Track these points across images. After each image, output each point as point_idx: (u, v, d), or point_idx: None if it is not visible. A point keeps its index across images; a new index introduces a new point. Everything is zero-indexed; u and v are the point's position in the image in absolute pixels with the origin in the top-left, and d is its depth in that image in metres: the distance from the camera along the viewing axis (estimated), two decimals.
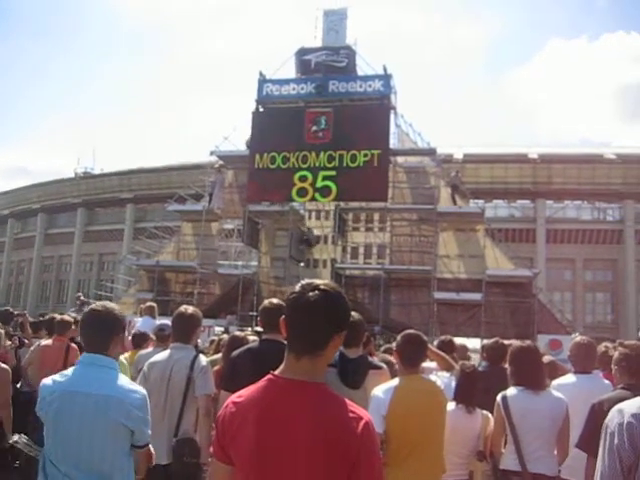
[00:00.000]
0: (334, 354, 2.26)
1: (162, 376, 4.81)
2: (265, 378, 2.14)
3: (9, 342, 7.94)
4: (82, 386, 3.20)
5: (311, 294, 2.07)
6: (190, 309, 5.10)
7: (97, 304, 3.56)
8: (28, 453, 3.79)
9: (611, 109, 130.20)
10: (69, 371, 3.36)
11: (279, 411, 2.04)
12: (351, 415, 2.04)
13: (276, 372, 2.12)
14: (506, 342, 6.75)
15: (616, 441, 1.96)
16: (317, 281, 2.15)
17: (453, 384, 5.14)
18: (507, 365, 6.15)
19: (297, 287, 2.15)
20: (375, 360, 5.12)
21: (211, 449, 2.20)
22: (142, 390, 3.39)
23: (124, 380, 3.37)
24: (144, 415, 3.29)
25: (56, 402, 3.20)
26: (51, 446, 3.21)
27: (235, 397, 2.19)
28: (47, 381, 3.32)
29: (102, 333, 3.35)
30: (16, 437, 4.27)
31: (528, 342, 4.93)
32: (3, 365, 5.80)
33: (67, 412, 3.17)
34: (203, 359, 4.93)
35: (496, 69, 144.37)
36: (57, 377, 3.32)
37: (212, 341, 8.28)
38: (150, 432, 3.38)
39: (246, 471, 2.07)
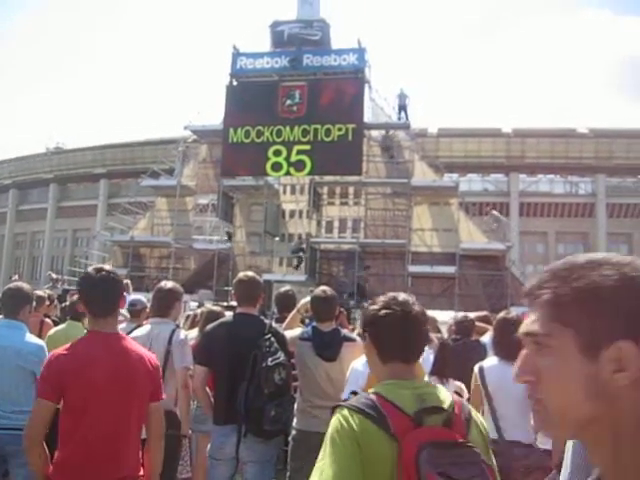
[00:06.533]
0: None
1: None
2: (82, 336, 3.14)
3: None
4: None
5: (99, 273, 3.09)
6: (169, 284, 5.12)
7: (11, 285, 4.76)
8: None
9: (591, 82, 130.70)
10: None
11: (89, 356, 2.93)
12: (142, 353, 3.10)
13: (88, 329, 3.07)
14: (472, 315, 6.94)
15: None
16: (103, 265, 3.22)
17: (431, 357, 5.19)
18: (474, 338, 6.36)
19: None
20: (347, 332, 5.16)
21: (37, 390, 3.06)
22: (39, 342, 4.63)
23: (27, 336, 4.54)
24: (40, 359, 4.22)
25: None
26: None
27: (61, 350, 2.99)
28: None
29: (13, 305, 4.54)
30: None
31: (514, 314, 4.97)
32: None
33: None
34: (181, 332, 4.93)
35: (472, 42, 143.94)
36: None
37: (187, 316, 8.25)
38: None
39: (73, 409, 2.86)
